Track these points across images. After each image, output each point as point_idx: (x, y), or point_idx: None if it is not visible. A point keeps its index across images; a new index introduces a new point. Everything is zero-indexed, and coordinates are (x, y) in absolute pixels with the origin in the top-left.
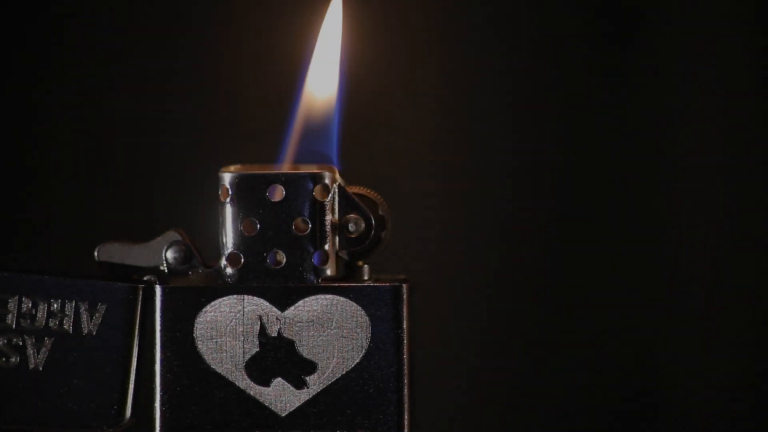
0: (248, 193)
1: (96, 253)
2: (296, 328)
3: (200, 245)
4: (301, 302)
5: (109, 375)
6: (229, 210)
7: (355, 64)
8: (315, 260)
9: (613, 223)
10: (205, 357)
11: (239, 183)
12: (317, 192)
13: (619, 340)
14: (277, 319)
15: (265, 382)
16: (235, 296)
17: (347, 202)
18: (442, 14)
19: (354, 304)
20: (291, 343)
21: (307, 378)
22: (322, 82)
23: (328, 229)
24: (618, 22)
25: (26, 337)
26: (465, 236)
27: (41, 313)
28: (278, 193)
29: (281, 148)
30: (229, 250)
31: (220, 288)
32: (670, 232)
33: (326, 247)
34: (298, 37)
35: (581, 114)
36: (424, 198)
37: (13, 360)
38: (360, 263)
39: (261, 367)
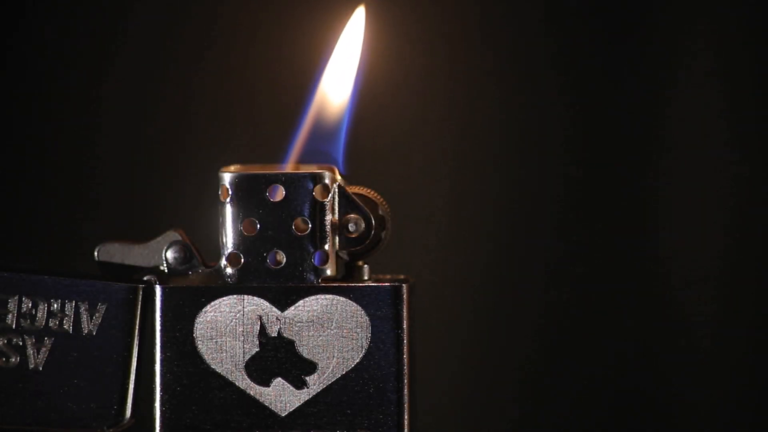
0: (248, 193)
1: (96, 253)
2: (296, 328)
3: (200, 245)
4: (301, 302)
5: (109, 375)
6: (229, 210)
7: (362, 66)
8: (315, 260)
9: (614, 223)
10: (205, 357)
11: (239, 183)
12: (317, 192)
13: (619, 340)
14: (277, 319)
15: (265, 382)
16: (235, 296)
17: (347, 202)
18: (450, 24)
19: (354, 304)
20: (291, 343)
21: (307, 378)
22: (337, 86)
23: (328, 229)
24: (618, 20)
25: (26, 337)
26: (465, 236)
27: (41, 313)
28: (278, 193)
29: (288, 147)
30: (229, 250)
31: (220, 288)
32: (671, 231)
33: (326, 247)
34: (300, 37)
35: (582, 114)
36: (424, 198)
37: (13, 360)
38: (360, 263)
39: (261, 367)
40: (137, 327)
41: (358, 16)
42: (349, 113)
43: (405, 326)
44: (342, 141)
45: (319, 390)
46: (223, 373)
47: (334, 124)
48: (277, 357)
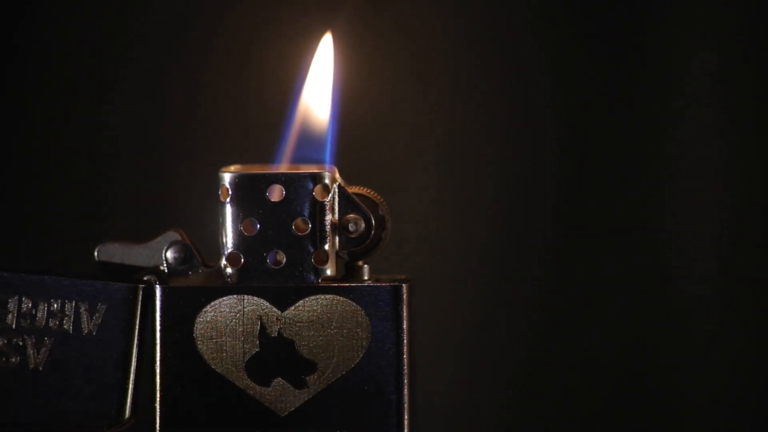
0: (248, 193)
1: (96, 253)
2: (296, 328)
3: (200, 245)
4: (301, 302)
5: (109, 375)
6: (229, 210)
7: (354, 64)
8: (315, 260)
9: (612, 222)
10: (205, 357)
11: (239, 183)
12: (317, 192)
13: (618, 339)
14: (277, 319)
15: (265, 382)
16: (235, 296)
17: (347, 202)
18: (437, 22)
19: (354, 304)
20: (291, 343)
21: (307, 378)
22: (319, 89)
23: (328, 229)
24: (617, 20)
25: (26, 337)
26: (465, 236)
27: (41, 313)
28: (278, 193)
29: (277, 152)
30: (229, 250)
31: (220, 288)
32: (670, 231)
33: (326, 247)
34: (299, 39)
35: (580, 114)
36: (423, 198)
37: (13, 360)
38: (360, 263)
39: (261, 367)
40: (137, 327)
41: (328, 43)
42: (334, 120)
43: (405, 326)
44: (328, 149)
45: (319, 390)
46: (223, 373)
47: (319, 133)
48: (277, 357)
